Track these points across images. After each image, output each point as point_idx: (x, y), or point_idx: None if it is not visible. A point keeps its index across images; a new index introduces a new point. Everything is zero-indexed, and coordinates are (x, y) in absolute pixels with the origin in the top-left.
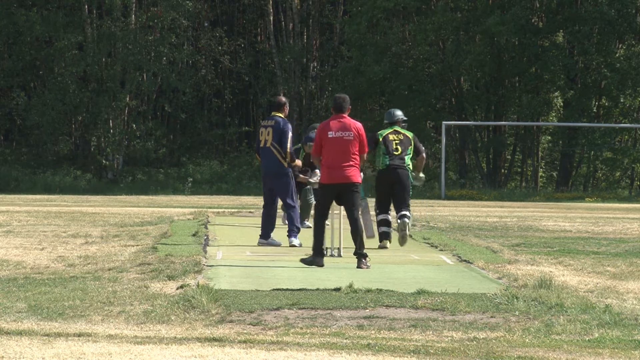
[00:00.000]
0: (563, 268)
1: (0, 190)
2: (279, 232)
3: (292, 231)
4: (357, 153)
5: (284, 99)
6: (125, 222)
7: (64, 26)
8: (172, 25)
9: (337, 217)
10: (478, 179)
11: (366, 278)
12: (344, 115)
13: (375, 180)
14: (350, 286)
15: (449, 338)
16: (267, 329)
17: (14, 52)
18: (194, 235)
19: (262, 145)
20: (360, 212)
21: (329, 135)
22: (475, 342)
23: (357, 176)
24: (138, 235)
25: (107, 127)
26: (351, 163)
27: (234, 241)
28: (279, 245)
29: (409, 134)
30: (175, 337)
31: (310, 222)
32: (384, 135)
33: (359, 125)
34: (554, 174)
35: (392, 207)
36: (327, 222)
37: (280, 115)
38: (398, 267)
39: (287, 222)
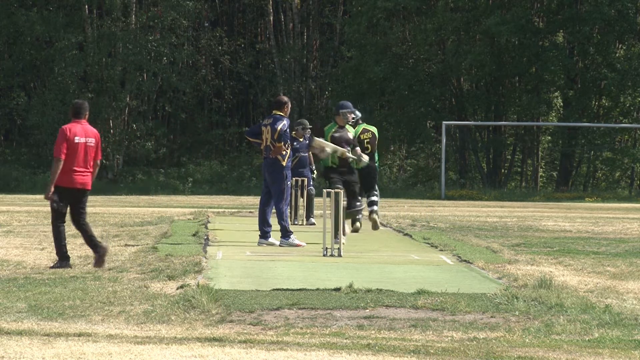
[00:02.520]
0: (563, 268)
1: (0, 190)
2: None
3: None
4: (97, 158)
5: (285, 98)
6: (125, 222)
7: (64, 26)
8: (172, 25)
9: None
10: (478, 179)
11: (366, 278)
12: (84, 121)
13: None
14: (350, 286)
15: (449, 338)
16: (267, 329)
17: (14, 52)
18: (194, 235)
19: (262, 146)
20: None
21: (76, 140)
22: (475, 342)
23: (91, 183)
24: (138, 235)
25: (107, 127)
26: (90, 170)
27: (234, 241)
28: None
29: (375, 131)
30: (175, 337)
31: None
32: (356, 134)
33: (97, 132)
34: (554, 174)
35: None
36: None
37: (280, 113)
38: (398, 267)
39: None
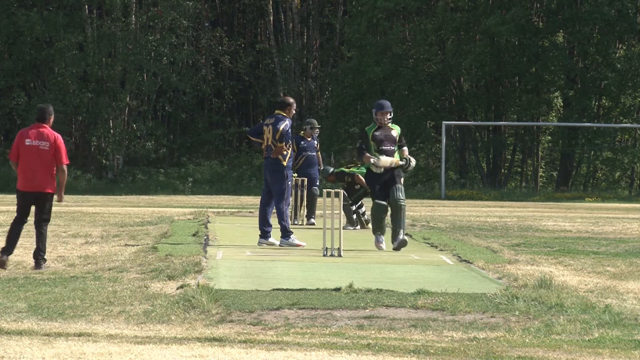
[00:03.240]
0: (563, 268)
1: (0, 190)
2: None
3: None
4: (55, 163)
5: (290, 100)
6: (125, 222)
7: (64, 26)
8: (173, 25)
9: (337, 217)
10: (478, 179)
11: (366, 278)
12: (45, 125)
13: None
14: (350, 286)
15: (449, 338)
16: (267, 329)
17: (14, 52)
18: (194, 235)
19: (264, 146)
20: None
21: (26, 143)
22: (475, 342)
23: (52, 186)
24: (138, 235)
25: (107, 127)
26: (47, 172)
27: (234, 241)
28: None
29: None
30: (175, 337)
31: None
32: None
33: (57, 136)
34: (554, 174)
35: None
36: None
37: (282, 114)
38: (398, 267)
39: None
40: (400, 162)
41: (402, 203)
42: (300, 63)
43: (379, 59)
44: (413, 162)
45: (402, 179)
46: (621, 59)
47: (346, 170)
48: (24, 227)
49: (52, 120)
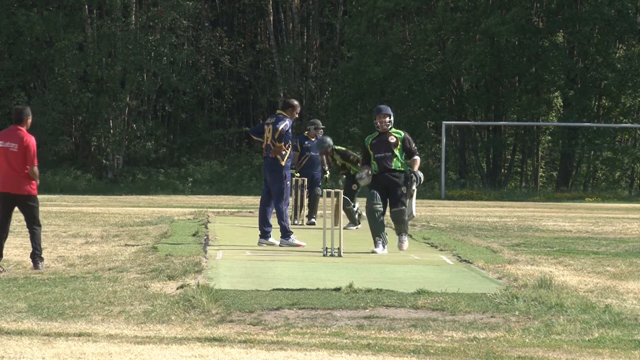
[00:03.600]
0: (563, 268)
1: None
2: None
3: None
4: (27, 164)
5: (294, 102)
6: (125, 222)
7: (64, 26)
8: (172, 25)
9: (337, 218)
10: (478, 179)
11: (366, 278)
12: (20, 127)
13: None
14: (350, 286)
15: (449, 338)
16: (267, 329)
17: (14, 52)
18: (194, 235)
19: (264, 145)
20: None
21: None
22: (475, 342)
23: (27, 188)
24: (138, 235)
25: (107, 127)
26: (17, 174)
27: (234, 241)
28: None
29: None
30: (175, 337)
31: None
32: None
33: (28, 138)
34: (554, 174)
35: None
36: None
37: (284, 114)
38: (398, 267)
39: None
40: (412, 187)
41: (404, 227)
42: (300, 63)
43: (379, 59)
44: (421, 178)
45: (413, 193)
46: (621, 59)
47: (350, 152)
48: (15, 225)
49: (29, 121)
